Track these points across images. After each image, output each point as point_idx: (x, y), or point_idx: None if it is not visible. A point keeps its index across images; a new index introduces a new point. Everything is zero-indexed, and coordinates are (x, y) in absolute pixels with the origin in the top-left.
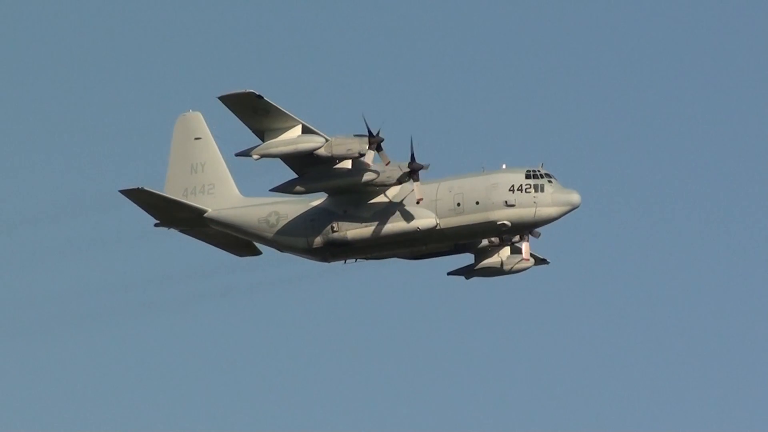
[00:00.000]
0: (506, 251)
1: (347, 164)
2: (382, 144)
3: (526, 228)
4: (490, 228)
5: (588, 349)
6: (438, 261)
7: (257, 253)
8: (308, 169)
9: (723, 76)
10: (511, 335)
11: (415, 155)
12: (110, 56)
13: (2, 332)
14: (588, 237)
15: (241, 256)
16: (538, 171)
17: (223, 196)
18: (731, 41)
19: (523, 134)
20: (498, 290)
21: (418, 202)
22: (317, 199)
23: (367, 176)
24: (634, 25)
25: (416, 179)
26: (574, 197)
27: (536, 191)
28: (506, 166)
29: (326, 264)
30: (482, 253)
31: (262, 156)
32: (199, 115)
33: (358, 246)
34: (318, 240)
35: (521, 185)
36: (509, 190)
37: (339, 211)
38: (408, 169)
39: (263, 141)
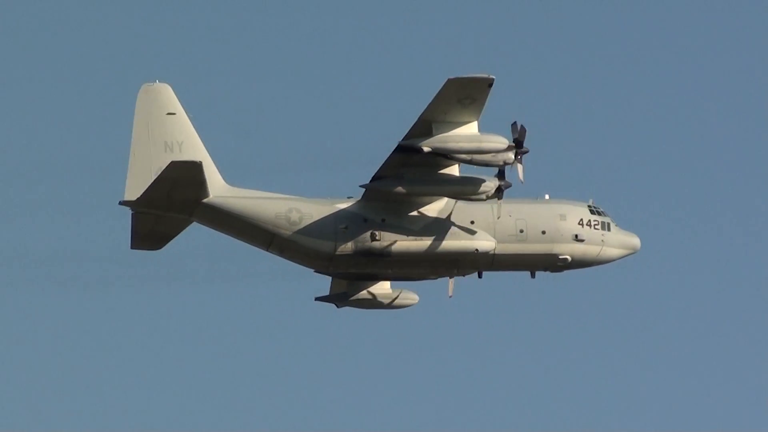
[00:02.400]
0: (385, 285)
1: (455, 170)
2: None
3: (583, 266)
4: (549, 260)
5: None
6: None
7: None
8: (404, 169)
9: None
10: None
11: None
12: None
13: None
14: None
15: (141, 248)
16: (598, 208)
17: (208, 183)
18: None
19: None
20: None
21: (472, 222)
22: (343, 202)
23: (484, 187)
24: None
25: (500, 197)
26: (637, 241)
27: (604, 229)
28: (549, 197)
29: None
30: (354, 282)
31: (435, 149)
32: (168, 88)
33: (397, 260)
34: (348, 247)
35: (589, 220)
36: (578, 223)
37: (377, 219)
38: (500, 185)
39: (428, 132)
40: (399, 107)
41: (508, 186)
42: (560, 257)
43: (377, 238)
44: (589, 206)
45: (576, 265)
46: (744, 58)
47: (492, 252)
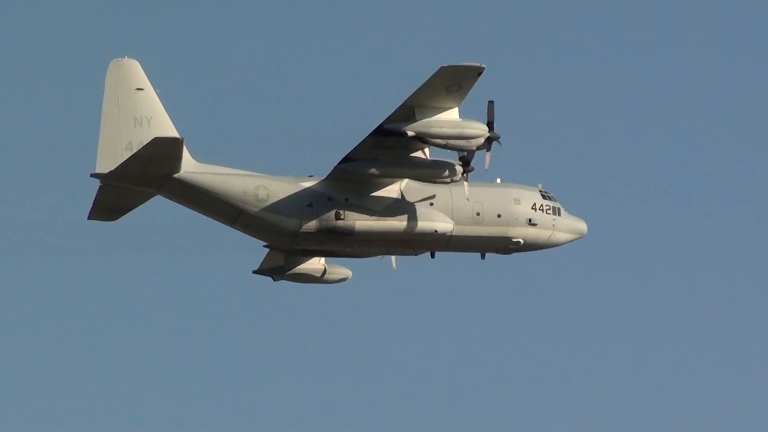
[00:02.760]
0: (320, 260)
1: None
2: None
3: (533, 249)
4: (502, 243)
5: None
6: None
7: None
8: (377, 151)
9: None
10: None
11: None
12: None
13: None
14: None
15: (98, 219)
16: (549, 193)
17: None
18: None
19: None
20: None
21: (431, 204)
22: (307, 181)
23: (455, 171)
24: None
25: (467, 179)
26: (584, 226)
27: (555, 214)
28: (501, 181)
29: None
30: (291, 257)
31: (419, 134)
32: (137, 64)
33: (359, 238)
34: (312, 224)
35: (542, 205)
36: (532, 207)
37: (340, 198)
38: (465, 168)
39: (411, 116)
40: (360, 90)
41: (472, 170)
42: (513, 240)
43: (342, 216)
44: (540, 191)
45: (527, 248)
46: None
47: (450, 233)
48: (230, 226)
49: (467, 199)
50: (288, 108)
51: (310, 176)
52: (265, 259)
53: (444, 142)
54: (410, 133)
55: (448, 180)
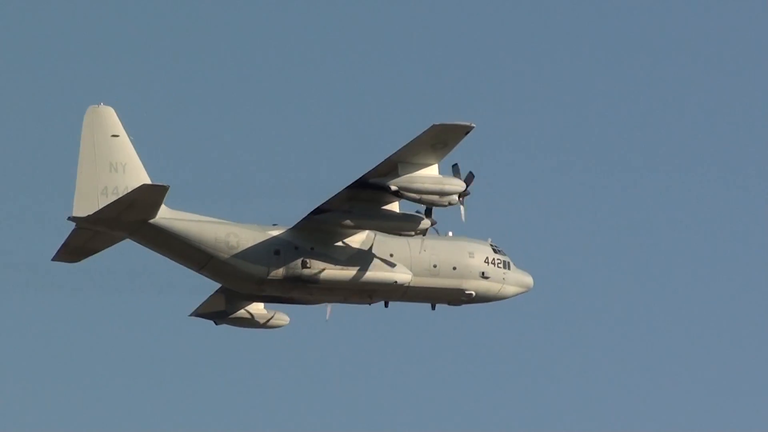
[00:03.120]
0: (260, 306)
1: (396, 206)
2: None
3: (483, 301)
4: (455, 295)
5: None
6: None
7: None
8: (351, 203)
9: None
10: None
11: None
12: None
13: None
14: None
15: (62, 260)
16: (498, 247)
17: None
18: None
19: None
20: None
21: (391, 255)
22: (274, 229)
23: (423, 225)
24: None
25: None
26: (531, 280)
27: (505, 268)
28: (452, 234)
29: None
30: (232, 301)
31: (401, 189)
32: (112, 110)
33: (322, 287)
34: (279, 272)
35: (493, 259)
36: (485, 261)
37: (306, 247)
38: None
39: (394, 171)
40: (326, 141)
41: (435, 224)
42: (466, 292)
43: (308, 265)
44: (491, 245)
45: (477, 300)
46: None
47: (407, 284)
48: (197, 271)
49: (423, 251)
50: (258, 156)
51: (274, 225)
52: (205, 303)
53: (419, 197)
54: (393, 188)
55: (415, 233)
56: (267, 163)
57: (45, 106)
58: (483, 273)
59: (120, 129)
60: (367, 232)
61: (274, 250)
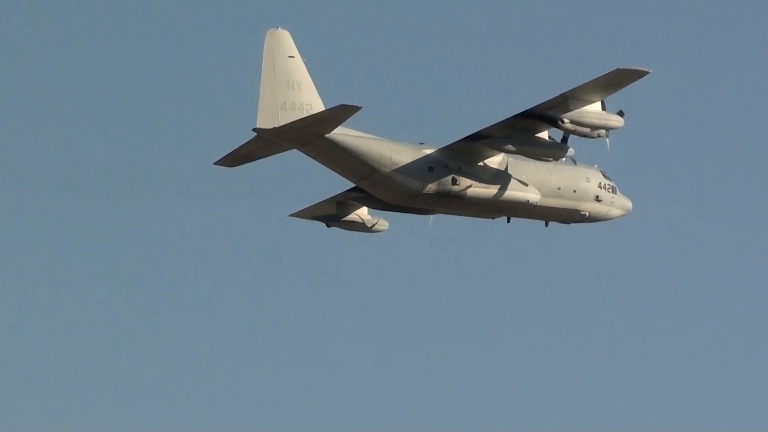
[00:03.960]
0: (365, 210)
1: (546, 135)
2: None
3: (592, 221)
4: (572, 215)
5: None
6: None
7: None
8: (510, 130)
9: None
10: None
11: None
12: None
13: None
14: None
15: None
16: (606, 173)
17: None
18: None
19: None
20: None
21: (523, 177)
22: (429, 148)
23: (569, 152)
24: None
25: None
26: (631, 204)
27: (613, 192)
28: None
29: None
30: (343, 206)
31: (572, 122)
32: (288, 34)
33: (467, 203)
34: (432, 187)
35: (604, 184)
36: (599, 186)
37: (454, 165)
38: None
39: (565, 106)
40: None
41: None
42: (581, 213)
43: (457, 182)
44: (601, 171)
45: (588, 220)
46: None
47: (536, 204)
48: (356, 182)
49: (550, 174)
50: (418, 86)
51: (421, 144)
52: (315, 206)
53: (585, 130)
54: (566, 121)
55: (560, 159)
56: (419, 90)
57: (226, 28)
58: (597, 196)
59: (295, 51)
60: (503, 154)
61: (428, 167)
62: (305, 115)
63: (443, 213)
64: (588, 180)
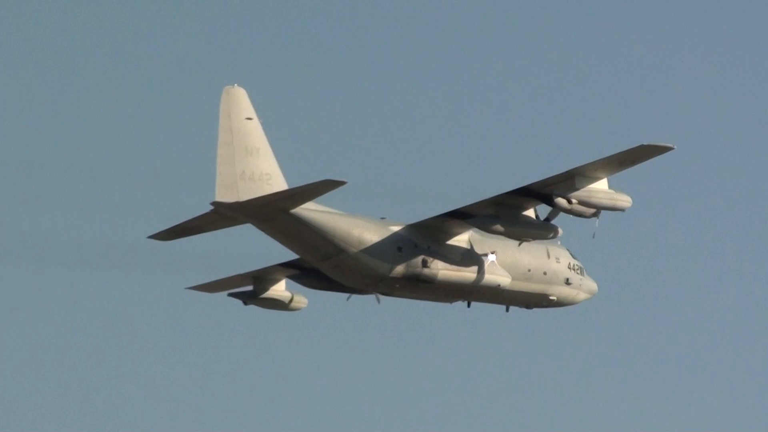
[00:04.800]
0: (283, 285)
1: (531, 213)
2: None
3: (557, 306)
4: (539, 300)
5: None
6: None
7: None
8: (497, 209)
9: None
10: None
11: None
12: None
13: None
14: None
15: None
16: (571, 251)
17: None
18: None
19: None
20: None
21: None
22: (395, 224)
23: (556, 233)
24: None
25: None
26: (596, 287)
27: (582, 275)
28: None
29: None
30: (261, 282)
31: (581, 202)
32: (244, 92)
33: (435, 287)
34: (399, 269)
35: (573, 265)
36: (568, 266)
37: (423, 244)
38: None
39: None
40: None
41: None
42: (550, 297)
43: (428, 264)
44: (567, 249)
45: (553, 305)
46: None
47: (505, 288)
48: (315, 262)
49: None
50: (381, 154)
51: (382, 218)
52: (223, 281)
53: (590, 210)
54: (573, 201)
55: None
56: (381, 159)
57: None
58: (567, 279)
59: (252, 111)
60: (470, 231)
61: (397, 247)
62: (264, 185)
63: (399, 297)
64: (558, 260)
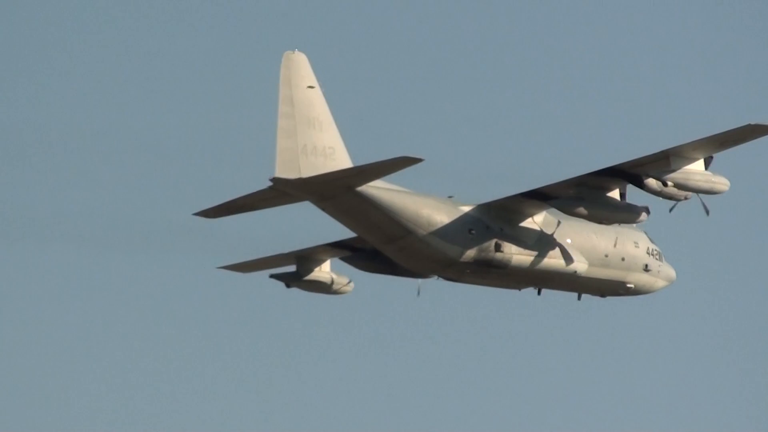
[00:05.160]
0: (328, 266)
1: (616, 194)
2: None
3: (634, 294)
4: (615, 287)
5: None
6: None
7: None
8: (580, 189)
9: None
10: None
11: None
12: None
13: None
14: None
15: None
16: (649, 235)
17: (341, 167)
18: None
19: None
20: None
21: (568, 242)
22: (465, 205)
23: (643, 217)
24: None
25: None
26: (675, 274)
27: (661, 260)
28: None
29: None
30: (305, 262)
31: (677, 185)
32: (305, 58)
33: (509, 273)
34: (470, 254)
35: (652, 250)
36: (647, 252)
37: (495, 227)
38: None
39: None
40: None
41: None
42: (627, 285)
43: (501, 249)
44: (646, 233)
45: (630, 294)
46: None
47: (581, 274)
48: (379, 246)
49: (597, 238)
50: (451, 130)
51: (450, 197)
52: (262, 260)
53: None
54: (669, 184)
55: (633, 223)
56: (442, 136)
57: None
58: (646, 265)
59: (313, 79)
60: (545, 213)
61: (468, 229)
62: (328, 161)
63: (467, 283)
64: (636, 245)
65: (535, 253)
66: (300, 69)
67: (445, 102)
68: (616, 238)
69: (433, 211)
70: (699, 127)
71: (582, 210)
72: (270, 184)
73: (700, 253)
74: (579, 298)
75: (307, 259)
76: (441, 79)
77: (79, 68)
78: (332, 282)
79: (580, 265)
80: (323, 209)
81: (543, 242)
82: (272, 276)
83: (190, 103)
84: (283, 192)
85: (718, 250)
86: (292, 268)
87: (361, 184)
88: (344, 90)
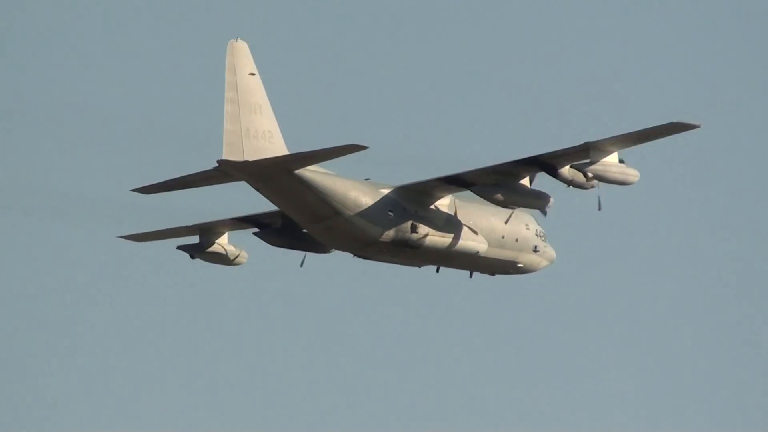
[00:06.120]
0: (225, 239)
1: (526, 181)
2: None
3: (520, 273)
4: (507, 267)
5: None
6: None
7: None
8: (498, 177)
9: None
10: None
11: None
12: None
13: None
14: None
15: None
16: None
17: (278, 150)
18: None
19: None
20: None
21: (471, 223)
22: (384, 187)
23: (550, 204)
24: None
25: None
26: (554, 254)
27: (545, 241)
28: None
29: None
30: (208, 235)
31: (596, 176)
32: (246, 46)
33: (421, 253)
34: (389, 234)
35: (539, 231)
36: (536, 234)
37: (410, 208)
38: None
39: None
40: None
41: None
42: (518, 265)
43: (416, 230)
44: (533, 216)
45: (516, 273)
46: None
47: (481, 254)
48: (305, 225)
49: (494, 219)
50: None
51: (367, 179)
52: (164, 231)
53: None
54: (589, 175)
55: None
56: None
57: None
58: (536, 247)
59: (253, 66)
60: (450, 196)
61: (388, 210)
62: (267, 144)
63: (377, 261)
64: (527, 227)
65: (444, 233)
66: (242, 57)
67: (381, 90)
68: (512, 220)
69: (359, 193)
70: (610, 124)
71: (499, 196)
72: (215, 165)
73: (578, 235)
74: (471, 275)
75: (209, 231)
76: (378, 67)
77: (36, 47)
78: (231, 254)
79: (481, 246)
80: (258, 189)
81: (451, 224)
82: (179, 247)
83: (132, 87)
84: (226, 173)
85: (594, 234)
86: (195, 239)
87: (300, 168)
88: (278, 76)
